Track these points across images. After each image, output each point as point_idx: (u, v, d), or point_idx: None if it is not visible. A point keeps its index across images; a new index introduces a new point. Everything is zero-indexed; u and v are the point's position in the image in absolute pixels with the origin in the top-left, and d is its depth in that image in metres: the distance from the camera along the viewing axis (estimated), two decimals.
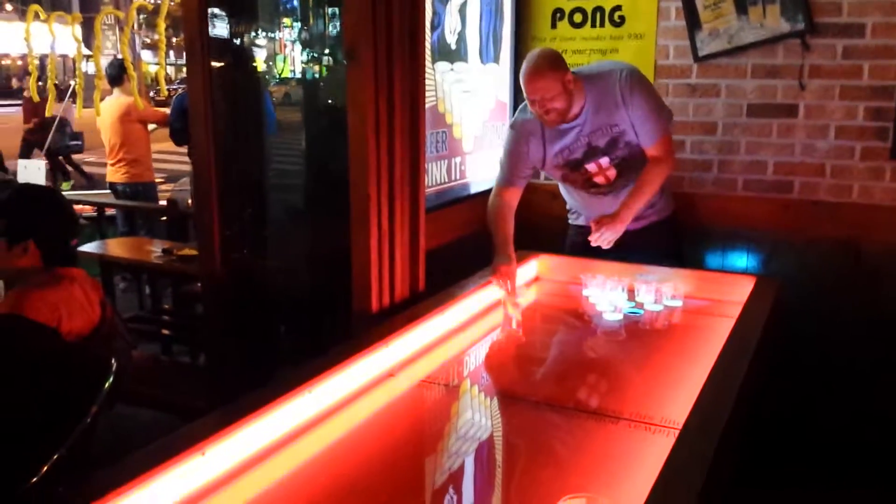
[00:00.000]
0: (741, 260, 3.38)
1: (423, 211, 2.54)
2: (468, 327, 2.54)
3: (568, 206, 3.21)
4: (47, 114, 5.42)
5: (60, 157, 9.65)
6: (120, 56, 5.69)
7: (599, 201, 2.97)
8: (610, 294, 2.72)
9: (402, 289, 2.49)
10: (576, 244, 3.13)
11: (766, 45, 3.21)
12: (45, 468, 1.83)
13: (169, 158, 12.38)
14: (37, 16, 5.42)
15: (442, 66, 2.97)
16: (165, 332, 3.84)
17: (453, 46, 3.04)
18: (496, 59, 3.42)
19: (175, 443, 1.52)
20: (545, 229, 3.39)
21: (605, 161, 2.88)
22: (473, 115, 3.25)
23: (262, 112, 3.11)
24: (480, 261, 2.82)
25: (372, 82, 2.21)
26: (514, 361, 2.43)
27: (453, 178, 3.15)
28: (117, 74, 5.54)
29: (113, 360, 2.14)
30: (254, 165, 3.08)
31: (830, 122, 3.17)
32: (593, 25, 3.48)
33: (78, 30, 5.16)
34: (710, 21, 3.27)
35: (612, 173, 2.91)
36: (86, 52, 7.00)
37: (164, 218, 5.46)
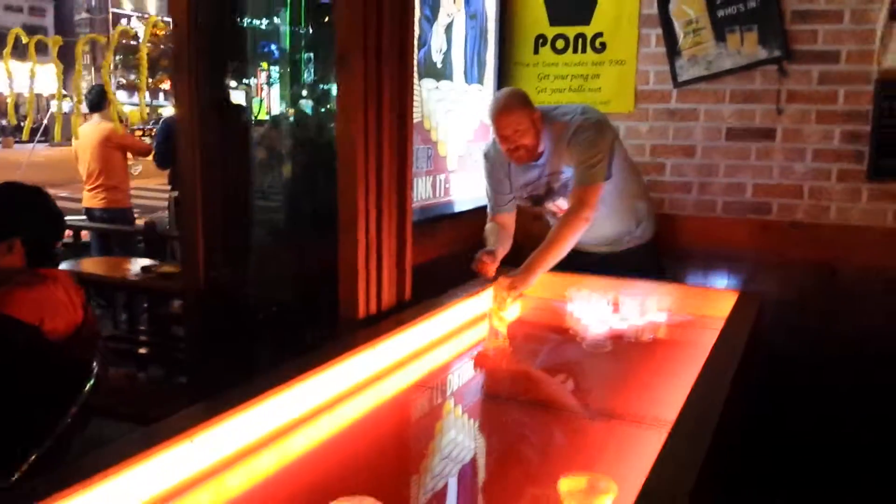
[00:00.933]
0: (721, 280, 3.42)
1: (411, 220, 2.54)
2: (455, 336, 2.53)
3: (551, 224, 3.24)
4: (24, 137, 5.38)
5: None
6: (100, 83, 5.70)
7: None
8: (595, 307, 2.73)
9: (389, 297, 2.47)
10: (559, 264, 3.15)
11: (743, 71, 3.30)
12: (24, 467, 1.77)
13: (144, 194, 12.34)
14: (17, 41, 5.42)
15: (428, 83, 3.00)
16: (142, 351, 3.77)
17: (439, 65, 3.09)
18: (480, 81, 3.47)
19: (163, 430, 1.49)
20: (526, 250, 3.40)
21: (562, 202, 2.93)
22: (458, 134, 3.29)
23: (249, 132, 3.14)
24: (463, 279, 2.83)
25: (362, 88, 2.23)
26: (501, 367, 2.42)
27: (438, 194, 3.17)
28: (97, 100, 5.53)
29: (94, 363, 2.10)
30: (239, 184, 3.08)
31: (807, 145, 3.25)
32: (575, 51, 3.55)
33: (53, 70, 5.16)
34: (690, 48, 3.35)
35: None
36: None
37: (141, 243, 5.40)
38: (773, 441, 3.10)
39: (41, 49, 5.54)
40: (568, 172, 2.84)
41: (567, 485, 1.34)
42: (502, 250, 2.93)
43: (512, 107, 2.73)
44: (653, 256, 3.13)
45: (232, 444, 1.58)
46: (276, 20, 3.14)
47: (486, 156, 3.02)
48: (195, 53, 2.66)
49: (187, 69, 2.67)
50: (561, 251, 2.76)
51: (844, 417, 3.17)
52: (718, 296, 2.85)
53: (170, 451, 1.43)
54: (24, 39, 5.38)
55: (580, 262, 2.98)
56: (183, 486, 1.45)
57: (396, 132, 2.39)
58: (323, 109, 3.25)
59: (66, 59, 5.70)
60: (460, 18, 3.23)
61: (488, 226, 3.00)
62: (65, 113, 5.58)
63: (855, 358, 3.17)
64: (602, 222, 2.92)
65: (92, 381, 2.05)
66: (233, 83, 3.04)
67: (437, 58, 3.07)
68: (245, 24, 3.08)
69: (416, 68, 2.81)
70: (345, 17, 2.27)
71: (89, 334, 2.16)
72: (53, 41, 5.04)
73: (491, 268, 2.80)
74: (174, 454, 1.44)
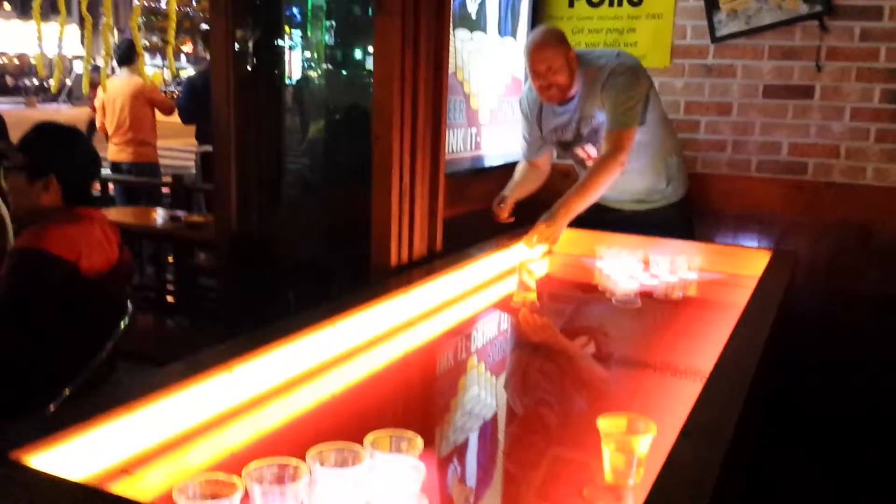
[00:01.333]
0: (753, 241, 3.38)
1: (443, 169, 2.53)
2: (485, 287, 2.52)
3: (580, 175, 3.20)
4: (53, 90, 5.39)
5: None
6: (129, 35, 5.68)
7: None
8: (625, 265, 2.71)
9: (420, 246, 2.47)
10: (586, 220, 3.14)
11: (783, 27, 3.22)
12: (60, 400, 1.79)
13: (169, 154, 12.36)
14: None
15: (462, 33, 2.96)
16: (170, 299, 3.80)
17: (473, 16, 3.04)
18: (514, 35, 3.41)
19: (203, 360, 1.50)
20: None
21: (590, 149, 2.91)
22: (490, 88, 3.25)
23: (280, 86, 3.14)
24: (491, 234, 2.81)
25: (399, 33, 2.20)
26: (531, 319, 2.41)
27: (469, 148, 3.14)
28: (127, 54, 5.51)
29: (129, 302, 2.12)
30: (271, 137, 3.08)
31: (846, 103, 3.18)
32: (611, 5, 3.49)
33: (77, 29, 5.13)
34: (729, 2, 3.28)
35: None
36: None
37: (168, 198, 5.42)
38: (800, 403, 3.09)
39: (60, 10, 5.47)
40: (599, 118, 2.81)
41: (606, 424, 1.33)
42: (521, 190, 3.01)
43: (547, 43, 2.73)
44: (682, 217, 3.09)
45: (270, 378, 1.58)
46: None
47: (520, 104, 3.06)
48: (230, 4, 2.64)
49: (224, 18, 2.65)
50: (594, 194, 2.76)
51: (875, 381, 3.14)
52: (751, 254, 2.81)
53: (210, 381, 1.44)
54: None
55: (608, 219, 2.95)
56: (222, 416, 1.46)
57: (432, 78, 2.37)
58: (345, 72, 3.26)
59: (92, 15, 5.67)
60: None
61: (518, 166, 3.07)
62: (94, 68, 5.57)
63: (888, 321, 3.13)
64: (631, 177, 2.88)
65: (127, 319, 2.07)
66: (265, 39, 3.03)
67: (472, 8, 3.02)
68: None
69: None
70: None
71: (125, 273, 2.18)
72: None
73: (503, 212, 2.88)
74: (214, 384, 1.45)
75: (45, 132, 2.16)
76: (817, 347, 3.12)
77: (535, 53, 2.74)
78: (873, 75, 3.12)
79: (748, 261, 2.74)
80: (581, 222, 3.10)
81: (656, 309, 2.54)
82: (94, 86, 4.96)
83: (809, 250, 3.24)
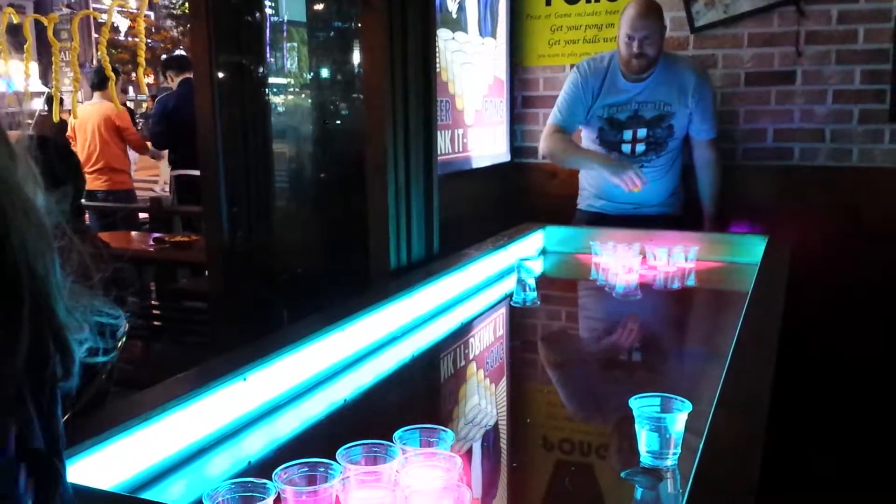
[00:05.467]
0: (743, 228, 3.36)
1: (436, 168, 2.49)
2: (485, 290, 2.47)
3: (581, 187, 3.18)
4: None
5: None
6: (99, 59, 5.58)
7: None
8: (622, 257, 2.68)
9: (418, 248, 2.42)
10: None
11: (761, 14, 3.23)
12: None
13: (142, 186, 12.19)
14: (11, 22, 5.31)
15: (444, 33, 2.93)
16: (156, 323, 3.71)
17: (454, 15, 3.02)
18: (493, 35, 3.40)
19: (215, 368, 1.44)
20: (542, 208, 3.38)
21: (641, 132, 2.96)
22: (474, 88, 3.22)
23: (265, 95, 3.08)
24: (481, 238, 2.77)
25: (387, 29, 2.17)
26: (534, 318, 2.38)
27: (456, 149, 3.11)
28: (100, 80, 5.39)
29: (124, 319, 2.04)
30: (259, 148, 3.02)
31: (828, 86, 3.20)
32: (588, 1, 3.48)
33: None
34: None
35: (639, 148, 2.99)
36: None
37: (146, 224, 5.31)
38: (800, 390, 3.07)
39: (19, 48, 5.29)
40: (675, 108, 2.93)
41: (639, 403, 1.29)
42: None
43: (652, 13, 2.87)
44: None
45: (284, 384, 1.53)
46: None
47: (579, 67, 3.05)
48: (213, 12, 2.58)
49: (205, 28, 2.58)
50: (719, 198, 3.13)
51: (872, 364, 3.13)
52: (746, 241, 2.81)
53: (223, 389, 1.38)
54: (16, 20, 5.26)
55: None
56: (238, 425, 1.40)
57: (421, 74, 2.33)
58: (328, 80, 3.21)
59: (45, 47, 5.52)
60: None
61: (552, 137, 3.03)
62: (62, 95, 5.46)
63: (880, 303, 3.13)
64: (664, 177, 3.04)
65: (124, 338, 1.99)
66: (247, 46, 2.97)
67: (453, 7, 3.00)
68: None
69: None
70: None
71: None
72: (49, 19, 4.93)
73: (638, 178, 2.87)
74: (228, 392, 1.39)
75: (43, 144, 2.06)
76: (811, 330, 3.10)
77: (639, 20, 2.83)
78: (853, 57, 3.14)
79: (743, 248, 2.74)
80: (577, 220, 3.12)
81: (658, 299, 2.52)
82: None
83: (799, 234, 3.23)
